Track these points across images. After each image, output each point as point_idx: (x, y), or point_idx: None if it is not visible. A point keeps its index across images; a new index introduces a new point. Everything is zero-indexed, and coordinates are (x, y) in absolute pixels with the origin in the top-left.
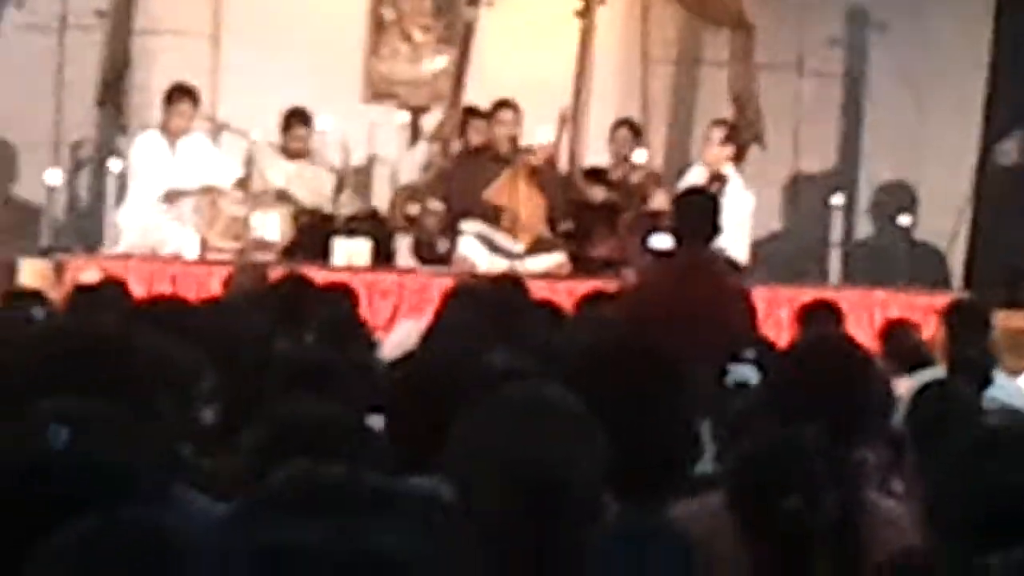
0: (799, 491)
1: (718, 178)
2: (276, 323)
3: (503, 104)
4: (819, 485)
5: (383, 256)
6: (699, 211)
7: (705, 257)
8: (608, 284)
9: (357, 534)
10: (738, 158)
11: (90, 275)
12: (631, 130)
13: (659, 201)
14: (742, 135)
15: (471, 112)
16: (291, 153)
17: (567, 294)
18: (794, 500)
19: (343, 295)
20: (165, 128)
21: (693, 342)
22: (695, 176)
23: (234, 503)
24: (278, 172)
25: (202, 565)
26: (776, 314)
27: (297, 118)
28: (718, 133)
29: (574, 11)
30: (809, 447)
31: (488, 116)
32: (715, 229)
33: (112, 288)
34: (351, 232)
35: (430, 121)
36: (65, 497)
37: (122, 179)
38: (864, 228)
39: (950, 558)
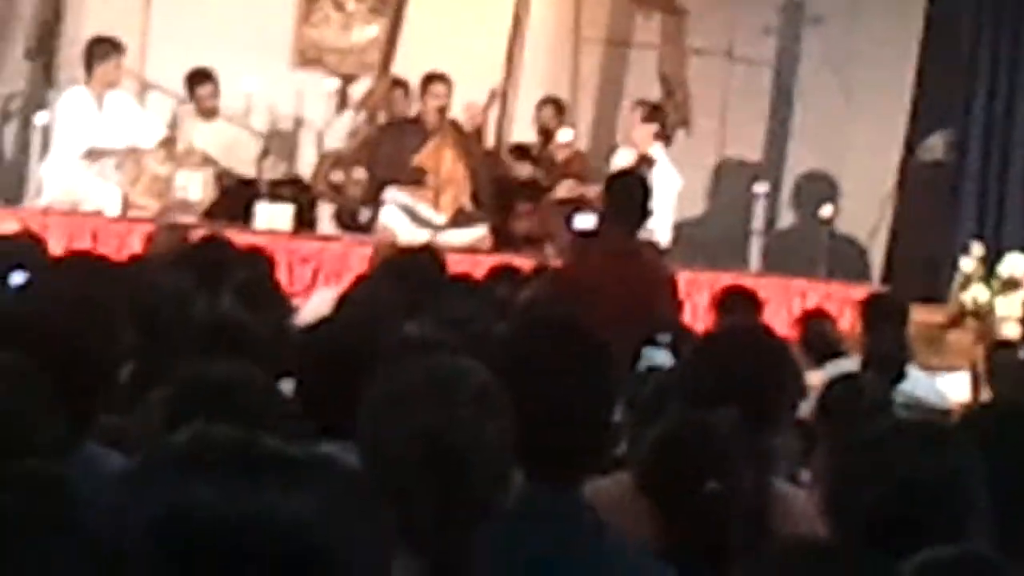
0: (717, 475)
1: (646, 160)
2: (194, 284)
3: (435, 76)
4: (737, 470)
5: (305, 222)
6: (629, 194)
7: (632, 240)
8: (526, 261)
9: (250, 496)
10: (665, 141)
11: (8, 227)
12: (556, 108)
13: (565, 189)
14: (669, 118)
15: (399, 83)
16: (204, 113)
17: (488, 269)
18: (713, 484)
19: (261, 259)
20: (91, 83)
21: (614, 324)
22: (623, 158)
23: (134, 461)
24: (202, 134)
25: (99, 520)
26: (694, 298)
27: (198, 78)
28: (639, 113)
29: None
30: (725, 431)
31: (410, 87)
32: (644, 213)
33: (29, 242)
34: (274, 197)
35: (358, 90)
36: None
37: (47, 133)
38: (786, 217)
39: (849, 550)
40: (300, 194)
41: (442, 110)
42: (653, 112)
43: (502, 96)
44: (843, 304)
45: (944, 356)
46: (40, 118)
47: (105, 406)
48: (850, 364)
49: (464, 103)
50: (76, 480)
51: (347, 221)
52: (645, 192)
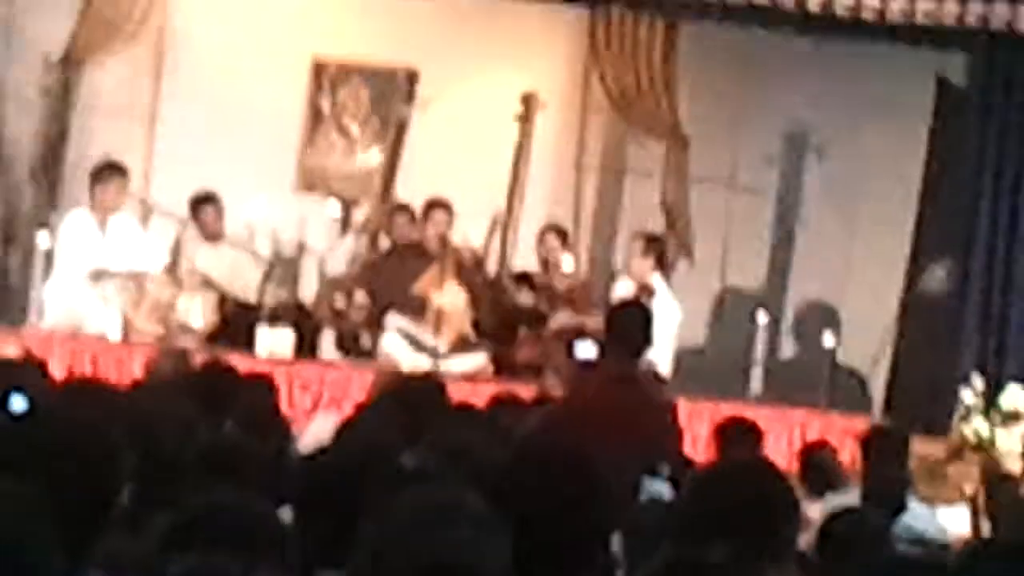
0: None
1: (646, 290)
2: (196, 410)
3: (436, 203)
4: None
5: (307, 348)
6: (631, 322)
7: (633, 370)
8: (527, 389)
9: None
10: (665, 272)
11: (10, 351)
12: (558, 235)
13: (565, 317)
14: (670, 248)
15: (400, 208)
16: (208, 236)
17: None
18: None
19: (264, 385)
20: (95, 206)
21: (614, 454)
22: (623, 289)
23: None
24: (205, 258)
25: None
26: (695, 427)
27: (202, 201)
28: (638, 245)
29: (515, 115)
30: (722, 566)
31: (415, 214)
32: (645, 342)
33: (30, 366)
34: (276, 322)
35: (361, 215)
36: None
37: (50, 255)
38: (788, 346)
39: None
40: (302, 319)
41: (443, 237)
42: (652, 244)
43: (504, 222)
44: (844, 434)
45: (945, 489)
46: (43, 240)
47: (105, 531)
48: (850, 496)
49: (463, 236)
50: None
51: (349, 346)
52: (646, 320)
